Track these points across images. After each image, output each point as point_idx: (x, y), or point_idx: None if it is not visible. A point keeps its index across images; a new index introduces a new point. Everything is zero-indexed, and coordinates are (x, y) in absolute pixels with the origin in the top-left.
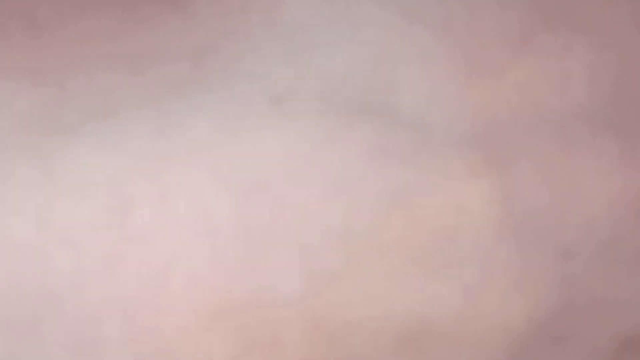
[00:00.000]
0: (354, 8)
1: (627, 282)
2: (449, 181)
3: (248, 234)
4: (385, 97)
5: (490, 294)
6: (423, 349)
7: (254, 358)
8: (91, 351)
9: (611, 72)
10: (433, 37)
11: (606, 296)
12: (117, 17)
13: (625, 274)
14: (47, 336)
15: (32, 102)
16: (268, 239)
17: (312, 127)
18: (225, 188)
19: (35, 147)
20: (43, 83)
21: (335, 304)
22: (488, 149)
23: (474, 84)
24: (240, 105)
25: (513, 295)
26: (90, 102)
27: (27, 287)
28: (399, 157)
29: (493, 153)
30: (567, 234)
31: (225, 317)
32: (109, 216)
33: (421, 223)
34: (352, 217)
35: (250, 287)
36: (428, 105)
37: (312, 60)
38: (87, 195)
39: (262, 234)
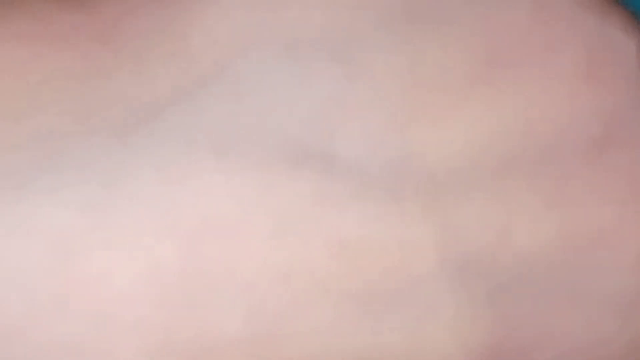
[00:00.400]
0: (296, 59)
1: (562, 321)
2: (387, 224)
3: (193, 276)
4: (327, 144)
5: (429, 333)
6: None
7: None
8: None
9: (549, 118)
10: (374, 82)
11: (542, 334)
12: (66, 63)
13: (560, 313)
14: None
15: None
16: (213, 281)
17: (255, 175)
18: (171, 233)
19: None
20: None
21: (279, 344)
22: (427, 194)
23: (414, 130)
24: (186, 154)
25: (451, 334)
26: (36, 152)
27: None
28: (340, 201)
29: (432, 198)
30: (504, 274)
31: (171, 358)
32: (57, 261)
33: (361, 265)
34: (295, 260)
35: (195, 328)
36: (368, 151)
37: (255, 110)
38: (36, 241)
39: (206, 276)
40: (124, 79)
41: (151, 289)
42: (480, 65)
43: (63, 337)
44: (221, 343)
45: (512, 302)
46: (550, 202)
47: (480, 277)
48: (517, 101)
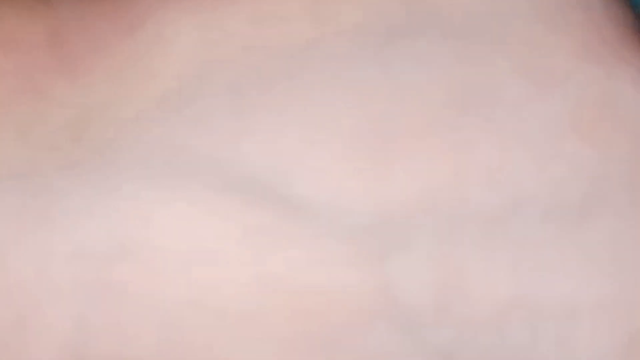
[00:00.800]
0: (242, 98)
1: None
2: (328, 267)
3: (111, 293)
4: (276, 185)
5: None
6: None
7: None
8: None
9: (510, 172)
10: (333, 122)
11: None
12: (8, 84)
13: None
14: None
15: None
16: (130, 307)
17: (198, 206)
18: (95, 253)
19: None
20: None
21: None
22: (373, 239)
23: (365, 172)
24: (121, 178)
25: None
26: None
27: None
28: (282, 240)
29: (377, 243)
30: (447, 332)
31: None
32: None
33: (296, 308)
34: (228, 299)
35: (109, 349)
36: (317, 191)
37: (200, 145)
38: None
39: (127, 299)
40: (64, 101)
41: (71, 306)
42: (453, 109)
43: None
44: None
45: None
46: (506, 263)
47: (425, 332)
48: (481, 151)
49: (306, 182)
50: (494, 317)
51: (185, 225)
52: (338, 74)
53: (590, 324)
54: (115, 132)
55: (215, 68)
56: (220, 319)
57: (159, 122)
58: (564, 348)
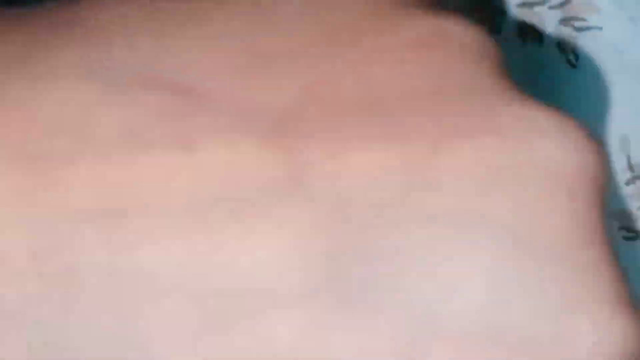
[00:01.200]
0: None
1: None
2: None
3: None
4: (183, 79)
5: None
6: None
7: None
8: None
9: (386, 76)
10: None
11: None
12: None
13: None
14: None
15: None
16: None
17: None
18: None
19: None
20: None
21: None
22: (271, 123)
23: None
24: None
25: None
26: None
27: None
28: (189, 128)
29: (276, 127)
30: None
31: None
32: None
33: None
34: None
35: None
36: (219, 83)
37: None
38: None
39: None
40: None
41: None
42: (321, 39)
43: None
44: None
45: None
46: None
47: None
48: None
49: (211, 84)
50: None
51: None
52: None
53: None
54: None
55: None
56: None
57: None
58: None
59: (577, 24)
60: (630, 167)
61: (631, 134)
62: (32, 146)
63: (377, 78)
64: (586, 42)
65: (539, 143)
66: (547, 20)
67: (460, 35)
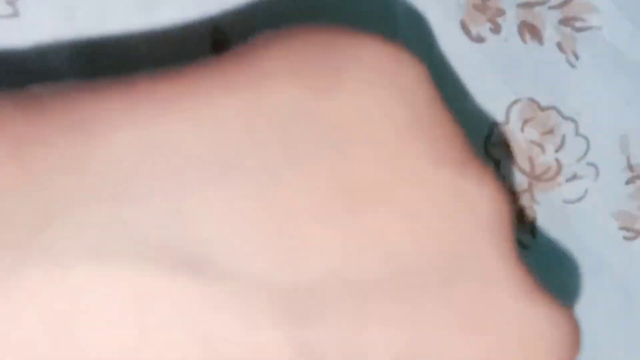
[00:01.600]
0: (180, 180)
1: None
2: (248, 331)
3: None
4: (204, 253)
5: None
6: None
7: None
8: None
9: (407, 244)
10: (247, 201)
11: None
12: None
13: None
14: None
15: None
16: None
17: (129, 281)
18: (47, 322)
19: None
20: None
21: None
22: (291, 303)
23: (285, 240)
24: (63, 265)
25: None
26: None
27: None
28: (206, 307)
29: (287, 310)
30: None
31: None
32: None
33: None
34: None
35: None
36: (240, 259)
37: (131, 216)
38: None
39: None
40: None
41: None
42: (337, 198)
43: None
44: None
45: None
46: (407, 329)
47: None
48: (379, 224)
49: (230, 258)
50: None
51: (129, 297)
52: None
53: None
54: (57, 229)
55: (148, 166)
56: None
57: (95, 200)
58: None
59: (577, 24)
60: (630, 167)
61: (631, 134)
62: None
63: (394, 247)
64: (586, 42)
65: (534, 343)
66: (547, 20)
67: (477, 202)
